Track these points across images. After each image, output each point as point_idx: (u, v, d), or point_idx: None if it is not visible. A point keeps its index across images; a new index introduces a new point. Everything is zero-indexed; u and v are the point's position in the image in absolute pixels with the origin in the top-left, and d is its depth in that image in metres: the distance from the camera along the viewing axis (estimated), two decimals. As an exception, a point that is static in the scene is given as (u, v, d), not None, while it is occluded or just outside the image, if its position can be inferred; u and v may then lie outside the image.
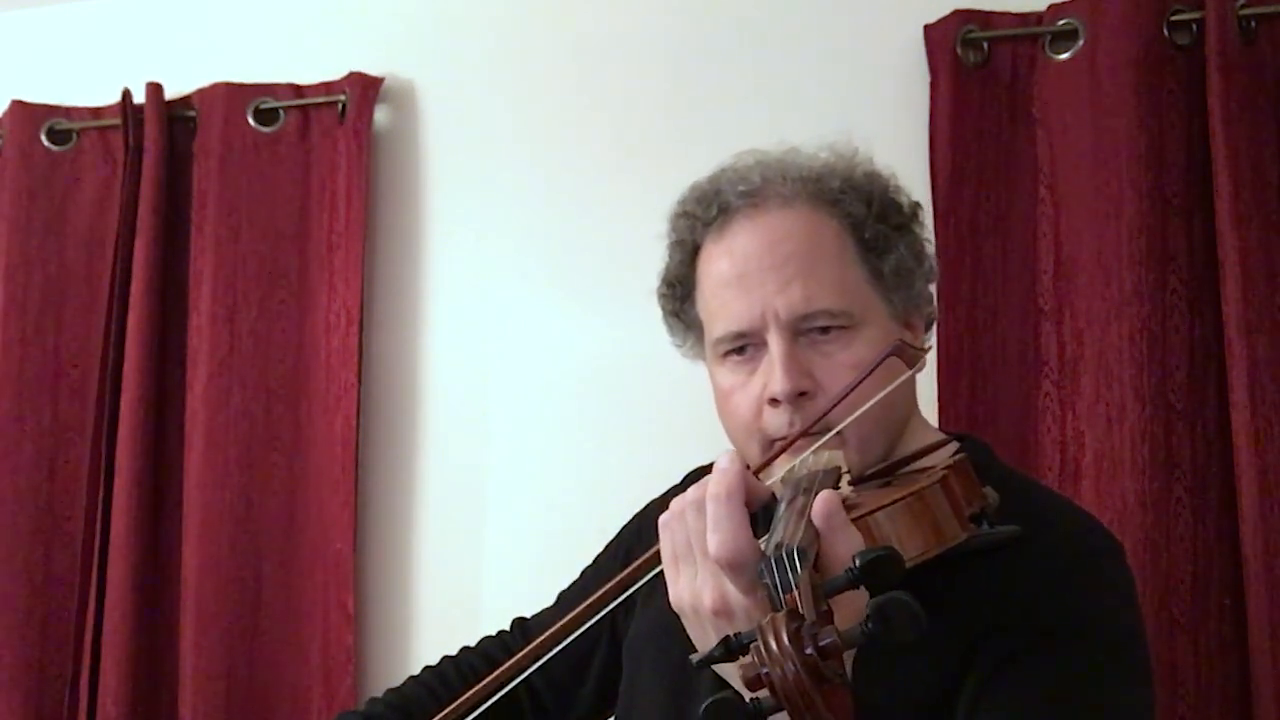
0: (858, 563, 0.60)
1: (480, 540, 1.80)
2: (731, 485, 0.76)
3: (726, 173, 1.02)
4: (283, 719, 1.78)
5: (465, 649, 1.24)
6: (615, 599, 0.89)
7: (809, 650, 0.56)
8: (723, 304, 0.98)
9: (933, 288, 1.05)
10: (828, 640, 0.57)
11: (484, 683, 0.93)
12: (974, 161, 1.58)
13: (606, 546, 1.23)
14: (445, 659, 1.23)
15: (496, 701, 0.95)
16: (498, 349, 1.83)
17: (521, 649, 0.97)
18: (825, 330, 0.95)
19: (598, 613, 0.89)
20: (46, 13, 2.08)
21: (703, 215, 1.01)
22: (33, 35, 2.08)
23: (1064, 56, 1.57)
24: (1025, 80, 1.60)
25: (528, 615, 1.25)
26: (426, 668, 1.22)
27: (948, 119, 1.58)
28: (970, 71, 1.59)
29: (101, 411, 1.87)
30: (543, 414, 1.80)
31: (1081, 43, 1.55)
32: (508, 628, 1.26)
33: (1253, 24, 1.49)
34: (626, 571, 0.89)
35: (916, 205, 1.04)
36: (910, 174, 1.59)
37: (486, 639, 1.24)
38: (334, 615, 1.75)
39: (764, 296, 0.94)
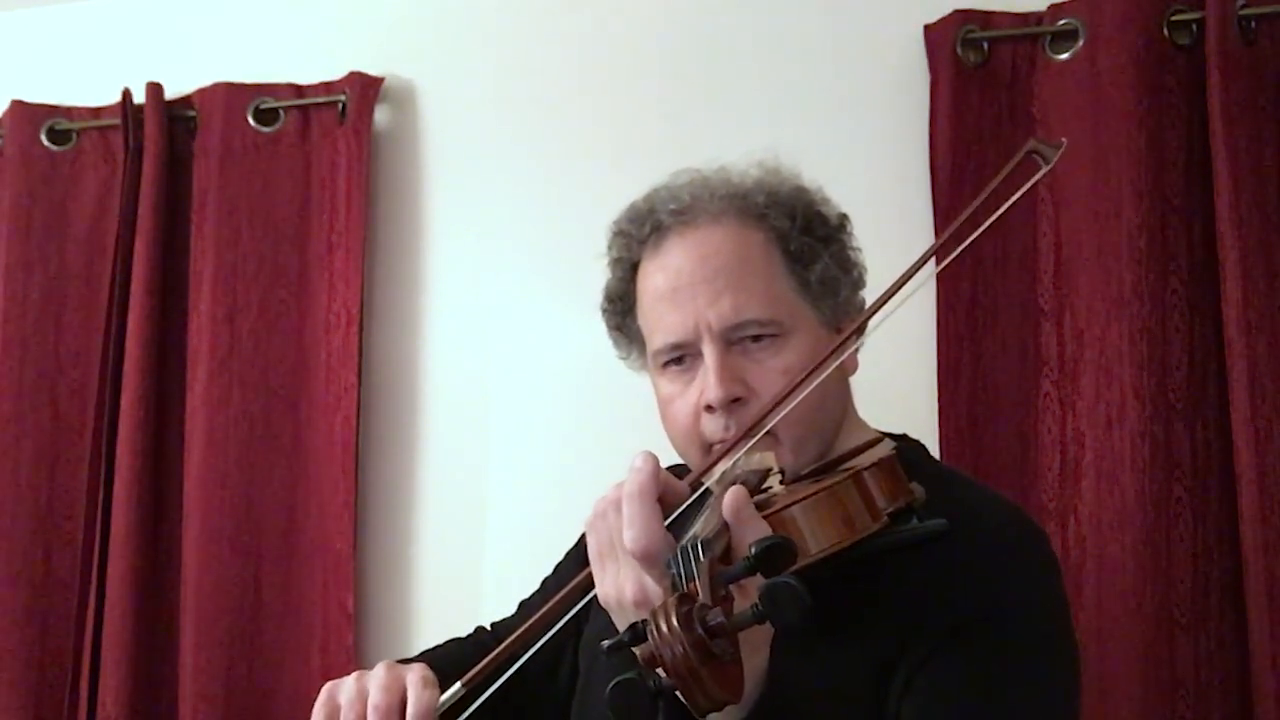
0: (753, 551, 0.65)
1: (480, 540, 1.80)
2: (643, 483, 0.81)
3: (660, 192, 1.06)
4: (282, 719, 1.79)
5: (452, 640, 1.22)
6: (580, 600, 0.91)
7: (698, 631, 0.60)
8: (659, 317, 1.03)
9: (864, 294, 1.08)
10: (716, 621, 0.61)
11: (488, 659, 0.92)
12: (974, 161, 1.58)
13: (567, 554, 1.24)
14: (445, 645, 1.21)
15: (491, 696, 0.95)
16: (498, 349, 1.83)
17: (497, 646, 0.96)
18: (757, 338, 0.99)
19: (567, 612, 0.91)
20: (46, 13, 2.08)
21: (638, 234, 1.06)
22: (33, 35, 2.08)
23: (1064, 56, 1.57)
24: (1025, 80, 1.60)
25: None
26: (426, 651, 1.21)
27: (948, 119, 1.58)
28: (970, 71, 1.59)
29: (101, 411, 1.87)
30: (543, 414, 1.80)
31: (1081, 43, 1.55)
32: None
33: (1253, 24, 1.49)
34: (586, 573, 0.91)
35: (844, 217, 1.08)
36: (910, 174, 1.62)
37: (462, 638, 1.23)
38: (334, 615, 1.75)
39: (697, 309, 0.99)
